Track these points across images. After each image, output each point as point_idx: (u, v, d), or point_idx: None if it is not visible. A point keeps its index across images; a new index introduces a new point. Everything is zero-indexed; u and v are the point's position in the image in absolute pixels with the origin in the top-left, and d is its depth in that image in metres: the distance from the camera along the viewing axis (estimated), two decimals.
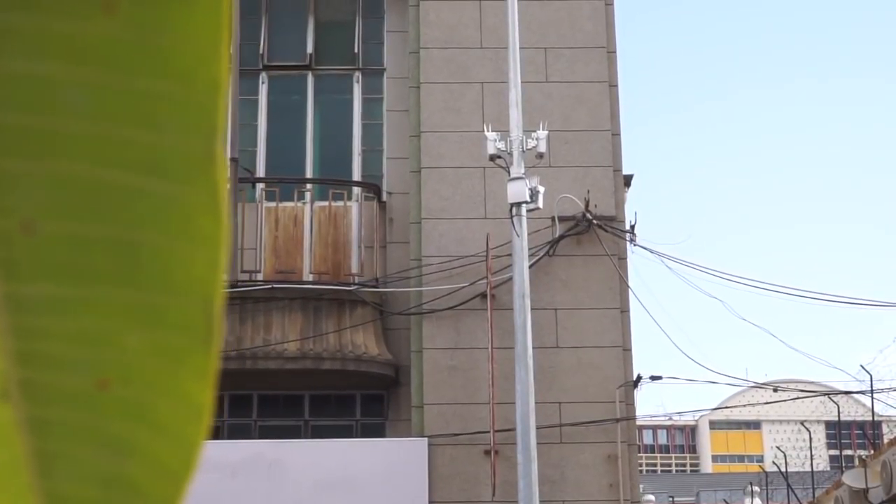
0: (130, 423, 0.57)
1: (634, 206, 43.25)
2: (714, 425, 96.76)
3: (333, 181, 15.15)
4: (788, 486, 33.47)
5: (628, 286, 14.48)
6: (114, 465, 0.58)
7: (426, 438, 13.72)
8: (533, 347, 12.82)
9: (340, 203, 14.76)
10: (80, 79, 0.53)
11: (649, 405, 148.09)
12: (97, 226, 0.55)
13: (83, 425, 0.57)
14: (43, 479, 0.58)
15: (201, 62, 0.53)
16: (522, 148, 13.02)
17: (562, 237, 14.33)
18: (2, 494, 0.57)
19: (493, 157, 13.16)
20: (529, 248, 13.22)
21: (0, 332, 0.55)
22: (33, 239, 0.55)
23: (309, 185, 15.03)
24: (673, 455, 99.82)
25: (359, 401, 14.85)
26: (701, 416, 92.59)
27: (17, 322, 0.56)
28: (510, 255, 13.21)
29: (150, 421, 0.57)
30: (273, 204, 14.65)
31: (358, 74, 15.80)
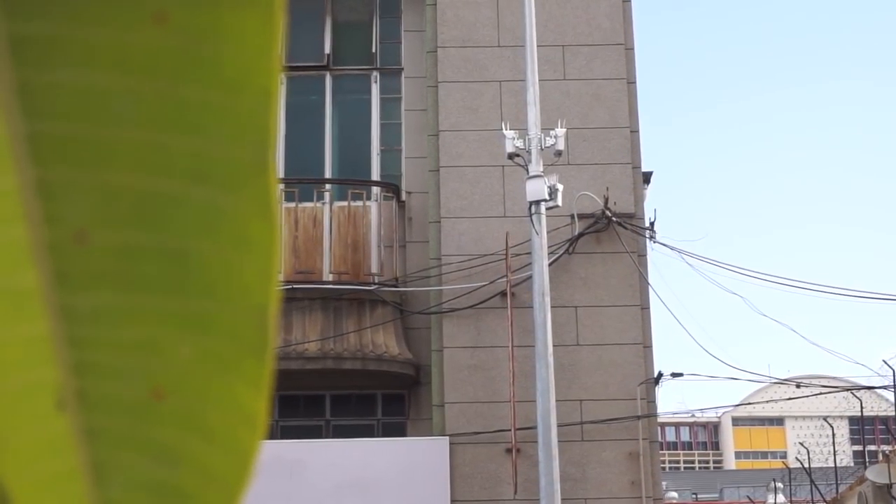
0: (184, 432, 0.57)
1: (654, 203, 43.19)
2: (737, 422, 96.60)
3: (352, 181, 15.16)
4: (812, 481, 33.35)
5: (648, 283, 14.46)
6: (166, 474, 0.58)
7: (447, 437, 13.72)
8: (553, 345, 12.80)
9: (359, 203, 14.78)
10: (130, 88, 0.54)
11: (671, 402, 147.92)
12: (148, 234, 0.55)
13: (137, 434, 0.57)
14: (98, 488, 0.58)
15: (252, 71, 0.53)
16: (541, 146, 13.01)
17: (581, 235, 14.32)
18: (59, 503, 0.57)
19: (511, 156, 13.15)
20: (549, 246, 13.21)
21: (57, 343, 0.56)
22: (86, 249, 0.55)
23: (328, 186, 15.04)
24: (696, 452, 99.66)
25: (380, 400, 14.86)
26: (724, 413, 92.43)
27: (72, 332, 0.56)
28: (529, 253, 13.20)
29: (203, 430, 0.57)
30: (292, 204, 14.67)
31: (376, 74, 15.81)
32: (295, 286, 14.22)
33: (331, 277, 14.49)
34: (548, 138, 13.06)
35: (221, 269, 0.55)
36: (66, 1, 0.52)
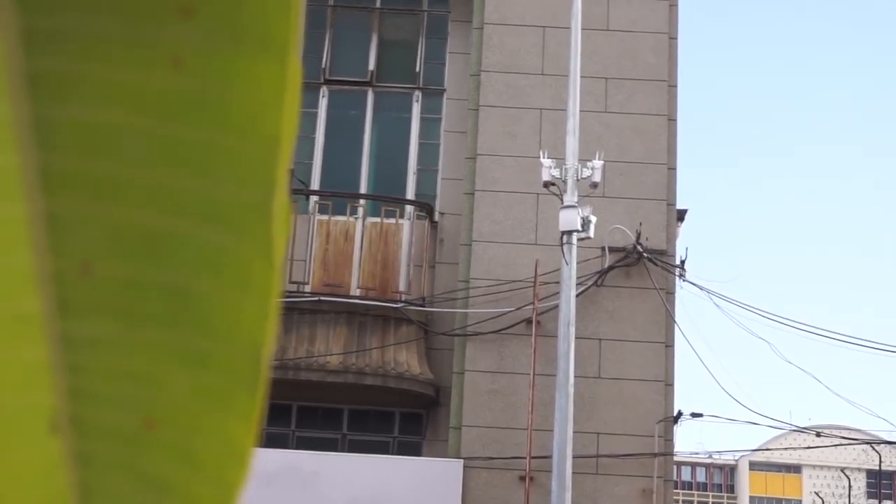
0: (172, 463, 0.58)
1: (686, 242, 43.10)
2: (754, 466, 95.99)
3: (387, 198, 15.19)
4: None
5: (674, 321, 14.42)
6: (154, 502, 0.59)
7: (462, 460, 13.70)
8: (575, 376, 12.77)
9: (392, 220, 14.80)
10: (142, 127, 0.55)
11: (688, 441, 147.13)
12: (151, 270, 0.57)
13: (126, 462, 0.58)
14: None
15: (262, 117, 0.55)
16: (577, 176, 13.00)
17: (611, 268, 14.30)
18: None
19: (547, 184, 13.15)
20: (578, 277, 13.20)
21: (54, 368, 0.57)
22: (90, 279, 0.56)
23: (362, 201, 15.08)
24: (710, 493, 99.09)
25: (398, 418, 14.86)
26: (741, 457, 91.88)
27: (70, 359, 0.57)
28: (558, 282, 13.18)
29: (191, 461, 0.58)
30: (325, 217, 14.71)
31: (418, 94, 15.86)
32: (322, 298, 14.25)
33: (358, 292, 14.51)
34: (584, 169, 13.05)
35: (221, 308, 0.57)
36: (86, 39, 0.54)
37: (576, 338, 12.91)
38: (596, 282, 14.26)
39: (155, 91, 0.54)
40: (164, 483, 0.59)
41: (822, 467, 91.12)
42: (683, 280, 14.82)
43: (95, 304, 0.57)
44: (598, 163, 13.12)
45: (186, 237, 0.56)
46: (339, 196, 15.05)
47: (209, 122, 0.54)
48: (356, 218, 14.81)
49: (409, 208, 15.07)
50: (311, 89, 15.61)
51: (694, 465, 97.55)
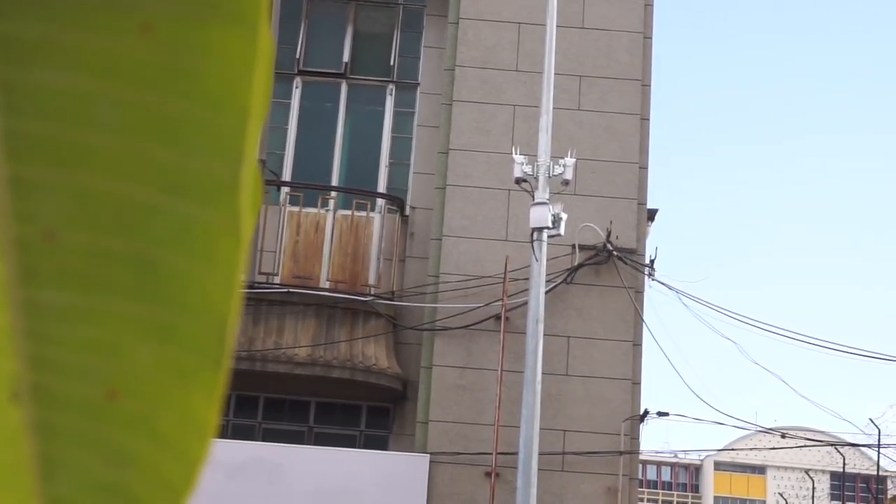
0: (135, 435, 0.58)
1: (656, 241, 43.19)
2: (719, 466, 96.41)
3: (358, 191, 15.17)
4: None
5: (643, 320, 14.46)
6: (115, 474, 0.59)
7: (428, 455, 13.71)
8: (542, 373, 12.80)
9: (363, 213, 14.79)
10: (111, 94, 0.55)
11: (654, 440, 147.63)
12: (117, 239, 0.56)
13: (89, 433, 0.58)
14: (45, 482, 0.59)
15: (233, 89, 0.54)
16: (549, 174, 13.02)
17: (580, 266, 14.33)
18: (4, 494, 0.58)
19: (518, 181, 13.17)
20: (547, 275, 13.21)
21: (17, 336, 0.56)
22: (54, 247, 0.56)
23: (333, 193, 15.06)
24: (675, 493, 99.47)
25: (364, 412, 14.86)
26: (706, 456, 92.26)
27: (33, 327, 0.57)
28: (528, 279, 13.21)
29: (154, 434, 0.58)
30: (296, 209, 14.69)
31: (392, 87, 15.84)
32: (291, 290, 14.23)
33: (327, 285, 14.49)
34: (556, 166, 13.08)
35: (187, 280, 0.56)
36: (55, 4, 0.53)
37: (544, 335, 12.93)
38: (565, 279, 14.29)
39: (125, 58, 0.54)
40: (126, 455, 0.58)
41: (786, 468, 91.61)
42: (652, 279, 14.88)
43: (60, 273, 0.56)
44: (570, 160, 13.14)
45: (153, 207, 0.55)
46: (310, 188, 15.02)
47: (179, 91, 0.54)
48: (327, 210, 14.79)
49: (380, 202, 15.05)
50: (284, 80, 15.58)
51: (659, 465, 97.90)
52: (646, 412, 14.83)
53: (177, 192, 0.55)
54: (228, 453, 13.15)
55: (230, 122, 0.54)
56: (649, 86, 15.14)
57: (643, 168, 14.83)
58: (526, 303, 13.16)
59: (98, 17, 0.53)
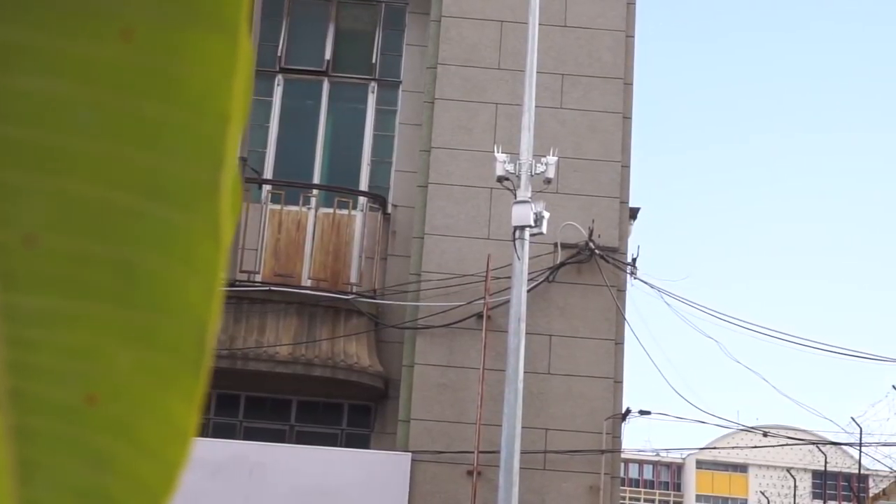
0: (114, 439, 0.58)
1: (638, 240, 43.29)
2: (701, 465, 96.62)
3: (340, 189, 15.16)
4: None
5: (625, 319, 14.48)
6: (94, 478, 0.59)
7: (410, 453, 13.71)
8: (524, 372, 12.81)
9: (345, 211, 14.78)
10: (91, 99, 0.55)
11: (636, 439, 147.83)
12: (97, 244, 0.56)
13: (68, 437, 0.58)
14: (23, 486, 0.59)
15: (213, 94, 0.54)
16: (531, 172, 13.03)
17: (563, 264, 14.34)
18: None
19: (500, 179, 13.17)
20: (529, 273, 13.22)
21: None
22: (34, 252, 0.56)
23: (315, 191, 15.04)
24: (657, 491, 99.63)
25: (346, 410, 14.85)
26: (688, 455, 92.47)
27: (12, 332, 0.57)
28: (510, 277, 13.21)
29: (133, 439, 0.58)
30: (278, 206, 14.67)
31: (374, 85, 15.83)
32: (272, 288, 14.21)
33: (309, 283, 14.47)
34: (539, 165, 13.09)
35: (167, 285, 0.56)
36: (34, 10, 0.53)
37: (526, 333, 12.94)
38: (547, 278, 14.30)
39: (106, 63, 0.54)
40: (105, 459, 0.58)
41: (768, 467, 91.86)
42: (635, 278, 14.90)
43: (39, 278, 0.56)
44: (552, 159, 13.15)
45: (133, 212, 0.55)
46: (292, 186, 15.00)
47: (159, 96, 0.54)
48: (309, 208, 14.77)
49: (362, 200, 15.04)
50: (266, 77, 15.56)
51: (641, 463, 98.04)
52: (628, 411, 14.85)
53: (157, 196, 0.55)
54: (209, 452, 13.13)
55: (210, 126, 0.54)
56: (632, 84, 15.16)
57: (625, 166, 14.86)
58: (508, 301, 13.16)
59: (78, 23, 0.53)
